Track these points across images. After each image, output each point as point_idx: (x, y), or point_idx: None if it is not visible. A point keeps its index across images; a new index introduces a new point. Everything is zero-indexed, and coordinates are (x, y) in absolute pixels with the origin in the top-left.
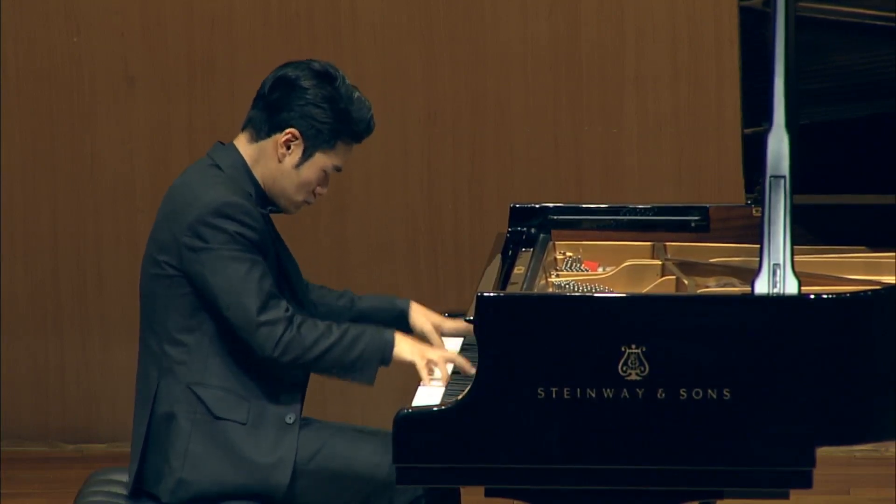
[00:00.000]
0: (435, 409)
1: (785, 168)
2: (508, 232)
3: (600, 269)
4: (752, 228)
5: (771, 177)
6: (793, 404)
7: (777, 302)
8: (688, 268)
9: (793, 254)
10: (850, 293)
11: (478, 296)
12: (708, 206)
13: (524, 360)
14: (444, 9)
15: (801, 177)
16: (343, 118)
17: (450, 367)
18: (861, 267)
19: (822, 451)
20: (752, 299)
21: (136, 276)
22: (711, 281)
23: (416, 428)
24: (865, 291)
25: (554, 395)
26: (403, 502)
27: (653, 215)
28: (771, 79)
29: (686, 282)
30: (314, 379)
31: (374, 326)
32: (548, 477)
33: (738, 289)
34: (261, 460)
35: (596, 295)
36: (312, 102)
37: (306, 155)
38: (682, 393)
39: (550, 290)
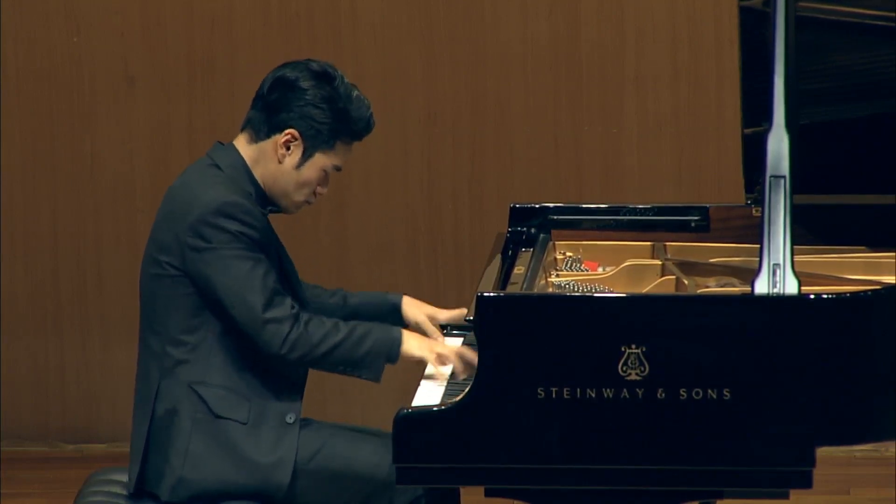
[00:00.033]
0: (435, 409)
1: (785, 168)
2: (508, 232)
3: (600, 269)
4: (752, 228)
5: (771, 177)
6: (793, 404)
7: (777, 302)
8: (688, 268)
9: (793, 254)
10: (850, 293)
11: (478, 296)
12: (708, 206)
13: (524, 360)
14: (444, 9)
15: (801, 177)
16: (342, 118)
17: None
18: (861, 267)
19: (822, 451)
20: (752, 299)
21: (136, 276)
22: (711, 281)
23: (416, 428)
24: (865, 291)
25: (554, 395)
26: (403, 502)
27: (653, 215)
28: (771, 79)
29: (686, 282)
30: (314, 379)
31: (382, 324)
32: (548, 477)
33: (738, 289)
34: (261, 460)
35: (596, 295)
36: (311, 103)
37: (306, 155)
38: (682, 393)
39: (550, 290)
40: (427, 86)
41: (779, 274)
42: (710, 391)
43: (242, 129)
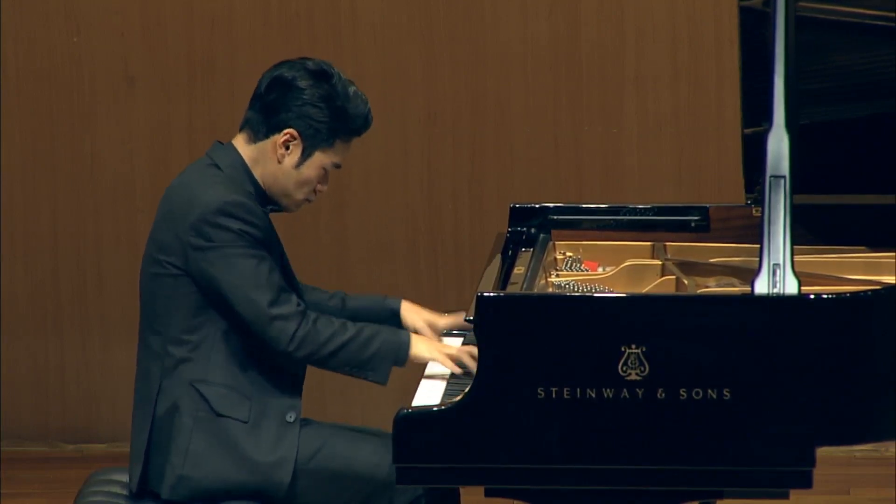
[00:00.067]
0: (435, 409)
1: (785, 168)
2: (508, 232)
3: (600, 269)
4: (752, 228)
5: (771, 177)
6: (793, 404)
7: (777, 302)
8: (688, 268)
9: (793, 254)
10: (850, 293)
11: (478, 296)
12: (708, 206)
13: (524, 360)
14: (444, 9)
15: (801, 177)
16: (340, 116)
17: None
18: (861, 267)
19: (822, 451)
20: (752, 299)
21: (135, 276)
22: (711, 281)
23: (416, 428)
24: (865, 291)
25: (554, 395)
26: (403, 502)
27: (653, 215)
28: (771, 79)
29: (686, 282)
30: (314, 379)
31: (390, 327)
32: (548, 477)
33: (738, 289)
34: (262, 459)
35: (596, 295)
36: (310, 102)
37: (306, 154)
38: (682, 393)
39: (550, 290)
40: (427, 86)
41: (779, 274)
42: (710, 391)
43: (241, 130)
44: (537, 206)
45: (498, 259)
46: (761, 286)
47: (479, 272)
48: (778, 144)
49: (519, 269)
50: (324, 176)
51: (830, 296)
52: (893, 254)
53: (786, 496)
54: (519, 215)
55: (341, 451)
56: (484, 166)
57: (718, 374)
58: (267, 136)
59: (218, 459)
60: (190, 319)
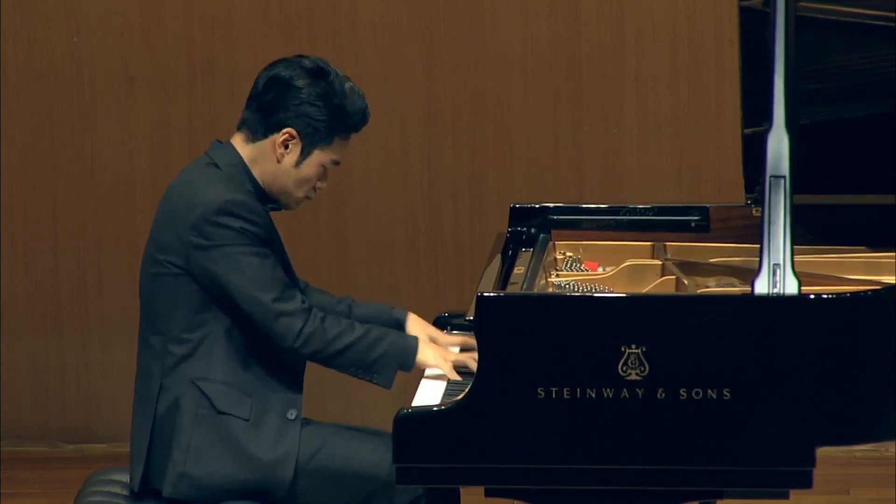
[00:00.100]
0: (435, 409)
1: (785, 168)
2: (508, 232)
3: (600, 269)
4: (752, 228)
5: (771, 177)
6: (793, 404)
7: (777, 302)
8: (688, 268)
9: (793, 254)
10: (850, 293)
11: (478, 296)
12: (708, 206)
13: (524, 360)
14: (444, 9)
15: (801, 177)
16: (338, 114)
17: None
18: (861, 267)
19: (822, 451)
20: (752, 299)
21: (135, 276)
22: (711, 281)
23: (416, 428)
24: (865, 291)
25: (554, 395)
26: (403, 502)
27: (653, 215)
28: (771, 79)
29: (686, 282)
30: (314, 379)
31: (398, 331)
32: (548, 477)
33: (738, 289)
34: (264, 456)
35: (596, 295)
36: (307, 101)
37: (305, 153)
38: (682, 393)
39: (550, 290)
40: (427, 86)
41: (779, 274)
42: (710, 391)
43: (238, 129)
44: (537, 206)
45: (498, 259)
46: (761, 286)
47: (479, 272)
48: (778, 144)
49: (519, 269)
50: (323, 173)
51: (830, 296)
52: (893, 254)
53: (786, 496)
54: (519, 215)
55: (341, 451)
56: (484, 166)
57: (718, 374)
58: (265, 136)
59: (219, 456)
60: (191, 318)
